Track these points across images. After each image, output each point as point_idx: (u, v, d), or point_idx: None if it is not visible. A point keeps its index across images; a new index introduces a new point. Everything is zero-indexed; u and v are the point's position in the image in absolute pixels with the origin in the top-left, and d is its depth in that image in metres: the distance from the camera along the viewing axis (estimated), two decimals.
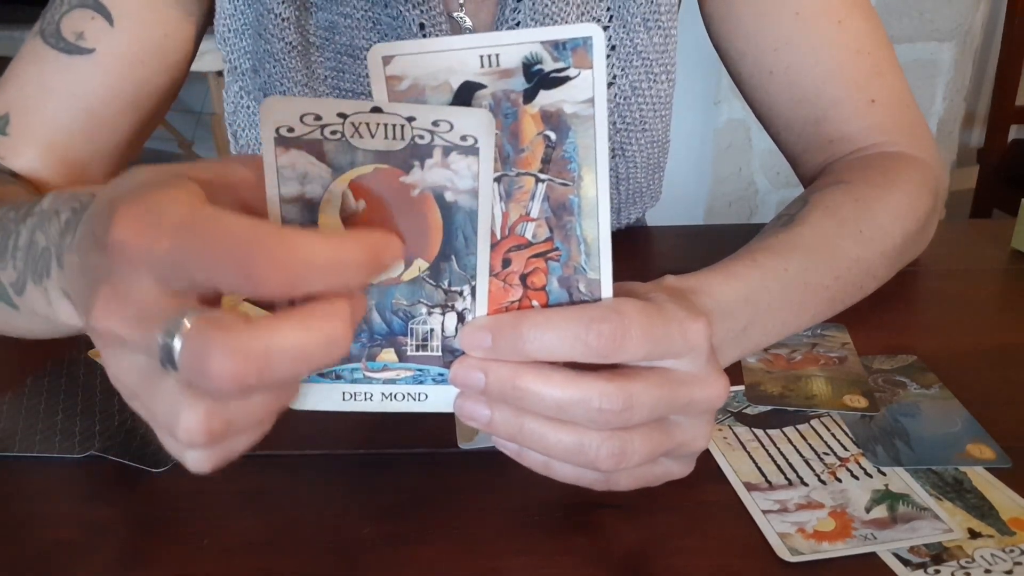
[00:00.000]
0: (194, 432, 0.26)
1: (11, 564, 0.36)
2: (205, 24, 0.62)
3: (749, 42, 0.62)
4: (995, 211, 2.14)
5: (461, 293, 0.32)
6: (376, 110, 0.28)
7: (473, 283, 0.32)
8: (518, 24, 0.58)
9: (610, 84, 0.63)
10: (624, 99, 0.64)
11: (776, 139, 0.66)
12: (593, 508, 0.38)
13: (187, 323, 0.25)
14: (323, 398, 0.34)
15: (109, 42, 0.57)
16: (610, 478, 0.34)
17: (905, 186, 0.55)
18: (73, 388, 0.48)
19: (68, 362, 0.51)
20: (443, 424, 0.44)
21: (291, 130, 0.28)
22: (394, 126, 0.29)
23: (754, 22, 0.61)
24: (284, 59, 0.59)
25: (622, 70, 0.63)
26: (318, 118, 0.28)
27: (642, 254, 0.67)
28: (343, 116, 0.28)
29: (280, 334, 0.25)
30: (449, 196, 0.30)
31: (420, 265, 0.31)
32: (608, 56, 0.61)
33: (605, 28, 0.61)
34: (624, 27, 0.61)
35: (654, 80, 0.64)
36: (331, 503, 0.39)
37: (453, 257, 0.31)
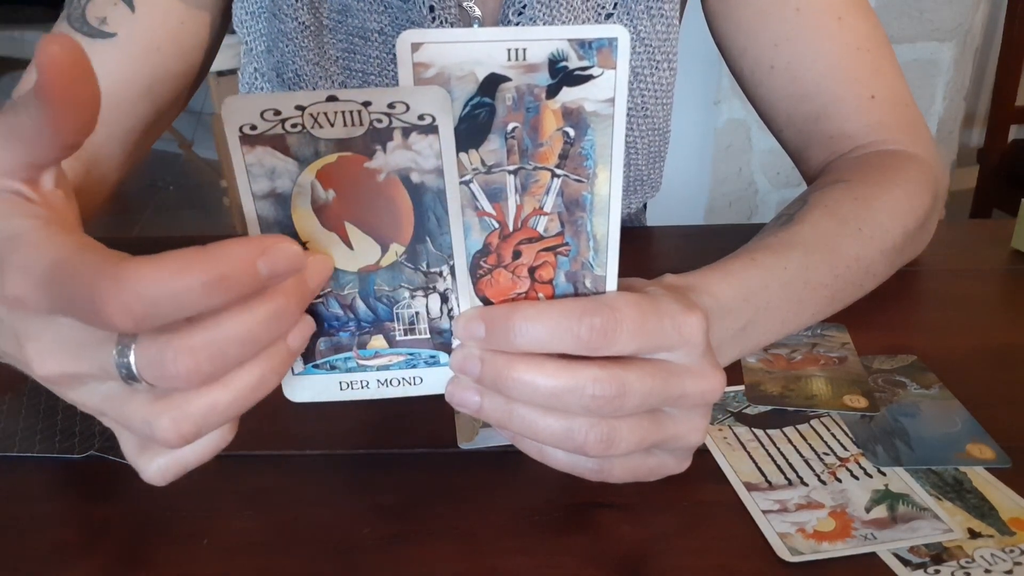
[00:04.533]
0: (169, 434, 0.27)
1: (11, 564, 0.36)
2: (225, 16, 0.63)
3: (750, 38, 0.62)
4: (995, 211, 2.13)
5: (441, 273, 0.32)
6: (332, 99, 0.28)
7: (451, 262, 0.32)
8: (524, 7, 0.58)
9: None
10: None
11: (778, 136, 0.66)
12: (593, 508, 0.38)
13: (136, 337, 0.26)
14: (320, 390, 0.34)
15: (129, 28, 0.58)
16: (603, 467, 0.34)
17: (905, 184, 0.55)
18: None
19: None
20: (443, 424, 0.44)
21: (254, 128, 0.28)
22: (351, 112, 0.29)
23: (755, 18, 0.61)
24: (297, 38, 0.60)
25: None
26: (277, 113, 0.28)
27: (642, 254, 0.67)
28: (301, 108, 0.28)
29: (223, 324, 0.26)
30: (415, 177, 0.30)
31: (396, 250, 0.31)
32: None
33: (609, 15, 0.62)
34: (628, 14, 0.62)
35: (656, 67, 0.64)
36: (331, 503, 0.39)
37: (428, 238, 0.31)
